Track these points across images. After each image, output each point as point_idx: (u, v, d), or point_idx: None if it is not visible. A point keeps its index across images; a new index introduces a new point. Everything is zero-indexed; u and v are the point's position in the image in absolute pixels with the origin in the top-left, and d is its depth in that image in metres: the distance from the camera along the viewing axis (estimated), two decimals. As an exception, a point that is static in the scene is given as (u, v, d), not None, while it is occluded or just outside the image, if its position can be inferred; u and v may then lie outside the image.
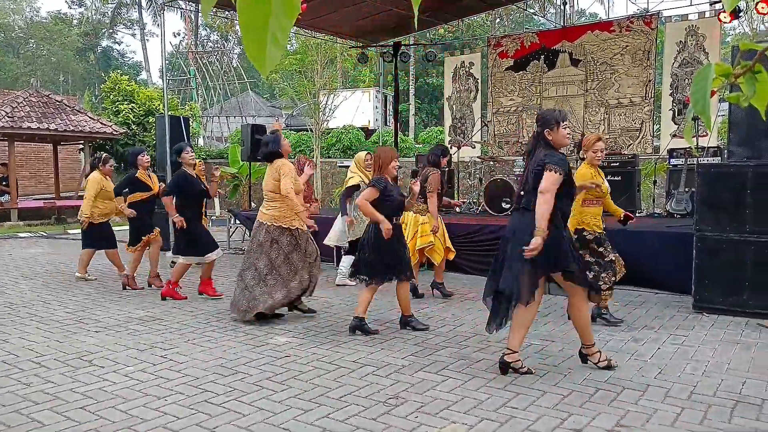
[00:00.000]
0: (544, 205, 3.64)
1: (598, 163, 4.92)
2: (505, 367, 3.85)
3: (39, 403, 3.44)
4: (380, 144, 17.11)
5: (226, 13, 12.05)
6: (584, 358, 4.01)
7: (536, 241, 3.57)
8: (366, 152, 7.12)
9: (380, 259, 4.79)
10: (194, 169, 6.33)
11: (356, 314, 4.87)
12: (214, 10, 11.97)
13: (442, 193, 6.27)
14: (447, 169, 6.53)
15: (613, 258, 4.93)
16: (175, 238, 6.39)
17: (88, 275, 7.49)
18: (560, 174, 3.67)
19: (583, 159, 5.07)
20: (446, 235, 6.40)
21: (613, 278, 4.93)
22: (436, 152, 6.33)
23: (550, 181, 3.66)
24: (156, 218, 7.29)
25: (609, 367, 3.92)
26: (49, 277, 7.68)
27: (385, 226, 4.71)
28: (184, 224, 6.02)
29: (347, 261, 6.82)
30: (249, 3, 0.65)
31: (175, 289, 6.27)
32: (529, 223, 3.66)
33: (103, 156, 7.64)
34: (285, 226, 5.23)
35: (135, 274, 6.95)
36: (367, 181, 6.79)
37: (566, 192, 3.79)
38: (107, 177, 7.37)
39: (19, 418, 3.21)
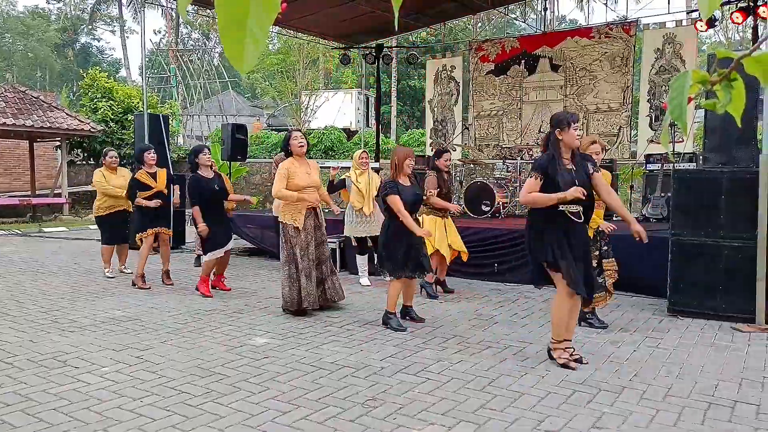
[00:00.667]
0: (540, 202, 4.01)
1: None
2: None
3: (10, 404, 3.37)
4: (362, 145, 17.11)
5: (208, 11, 11.96)
6: (550, 354, 4.18)
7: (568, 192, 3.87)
8: (362, 150, 7.22)
9: (398, 253, 5.02)
10: (211, 170, 6.44)
11: (386, 308, 5.15)
12: (195, 8, 11.87)
13: (447, 194, 6.47)
14: (445, 170, 6.58)
15: (594, 265, 4.91)
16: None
17: (120, 268, 7.66)
18: (535, 178, 4.01)
19: None
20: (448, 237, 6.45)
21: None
22: (432, 155, 6.64)
23: (525, 189, 4.10)
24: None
25: (579, 361, 4.09)
26: (22, 276, 7.54)
27: (419, 232, 5.03)
28: (206, 232, 6.21)
29: (362, 261, 7.12)
30: (227, 0, 0.65)
31: (206, 284, 6.44)
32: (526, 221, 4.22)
33: (104, 150, 7.93)
34: (280, 219, 5.65)
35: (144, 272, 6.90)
36: (354, 177, 6.83)
37: (547, 190, 4.00)
38: (110, 170, 7.42)
39: (-11, 420, 3.15)
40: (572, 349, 4.14)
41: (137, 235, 6.95)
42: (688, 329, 5.11)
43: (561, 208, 3.96)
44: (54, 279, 7.35)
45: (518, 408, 3.36)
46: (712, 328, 5.11)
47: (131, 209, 7.28)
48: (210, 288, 6.42)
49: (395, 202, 4.95)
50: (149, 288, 6.71)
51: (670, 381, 3.81)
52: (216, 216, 6.36)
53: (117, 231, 7.48)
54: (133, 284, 6.79)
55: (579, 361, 4.10)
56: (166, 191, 6.96)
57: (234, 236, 7.23)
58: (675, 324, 5.29)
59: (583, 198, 3.93)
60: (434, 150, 6.97)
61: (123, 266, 7.73)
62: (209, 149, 6.63)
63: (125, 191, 7.08)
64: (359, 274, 7.20)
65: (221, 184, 6.45)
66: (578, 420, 3.20)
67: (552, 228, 3.98)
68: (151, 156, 6.96)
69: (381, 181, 6.68)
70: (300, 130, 6.10)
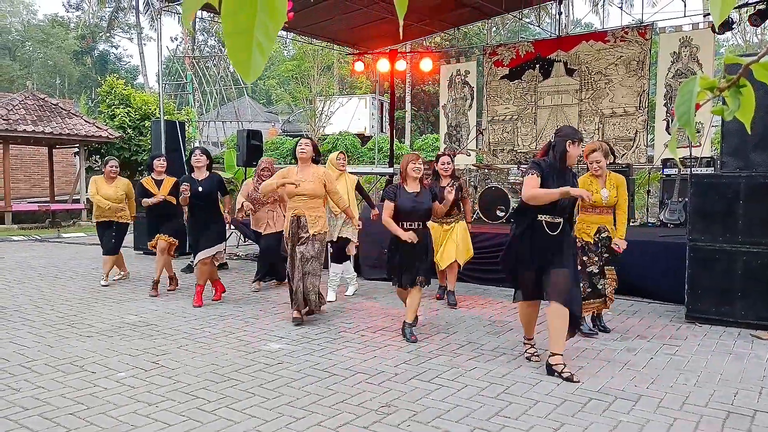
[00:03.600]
0: (542, 197, 3.96)
1: (597, 173, 4.87)
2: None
3: (28, 408, 3.41)
4: (376, 150, 17.13)
5: (223, 18, 12.07)
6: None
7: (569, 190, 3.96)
8: (339, 152, 6.74)
9: (393, 261, 5.03)
10: (207, 171, 6.33)
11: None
12: (211, 16, 11.99)
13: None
14: (445, 174, 6.33)
15: (596, 270, 4.89)
16: None
17: (110, 279, 7.51)
18: (537, 175, 4.02)
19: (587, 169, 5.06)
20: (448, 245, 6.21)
21: (589, 290, 4.90)
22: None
23: (527, 185, 4.05)
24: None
25: (529, 359, 4.37)
26: (41, 281, 7.64)
27: (404, 236, 4.88)
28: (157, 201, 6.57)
29: (335, 270, 6.56)
30: (233, 9, 0.65)
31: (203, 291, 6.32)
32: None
33: (105, 159, 7.91)
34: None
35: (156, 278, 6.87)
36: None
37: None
38: (108, 179, 7.37)
39: (8, 424, 3.19)
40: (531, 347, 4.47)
41: (149, 243, 7.04)
42: (707, 336, 5.04)
43: (540, 218, 4.05)
44: (72, 284, 7.43)
45: (533, 416, 3.33)
46: (730, 336, 5.04)
47: (125, 220, 7.42)
48: (201, 299, 6.17)
49: (385, 208, 5.00)
50: (156, 296, 6.64)
51: (688, 389, 3.76)
52: (198, 220, 6.24)
53: (104, 241, 7.37)
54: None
55: (529, 359, 4.38)
56: (170, 199, 6.78)
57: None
58: (693, 331, 5.22)
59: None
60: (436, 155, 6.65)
61: (106, 277, 7.45)
62: (202, 151, 6.47)
63: (114, 202, 7.23)
64: (328, 286, 6.47)
65: (209, 186, 6.22)
66: (594, 428, 3.17)
67: (524, 240, 4.11)
68: (159, 163, 7.00)
69: (357, 182, 6.57)
70: (310, 138, 5.96)
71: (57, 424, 3.19)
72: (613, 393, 3.68)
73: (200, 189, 6.19)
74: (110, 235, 7.32)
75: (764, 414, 3.37)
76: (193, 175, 6.31)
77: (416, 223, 4.98)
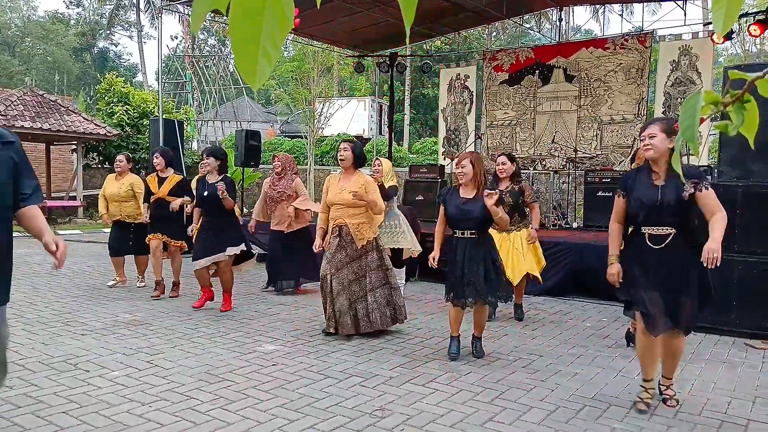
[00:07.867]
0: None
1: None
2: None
3: (21, 406, 3.39)
4: (374, 153, 17.12)
5: (224, 18, 12.08)
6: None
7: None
8: (376, 158, 6.60)
9: (450, 274, 4.48)
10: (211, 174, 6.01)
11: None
12: (211, 15, 11.99)
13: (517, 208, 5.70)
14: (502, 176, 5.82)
15: None
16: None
17: (138, 283, 7.21)
18: (618, 195, 3.71)
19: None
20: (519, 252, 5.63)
21: None
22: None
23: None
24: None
25: (647, 405, 3.55)
26: (36, 278, 7.61)
27: (431, 256, 4.51)
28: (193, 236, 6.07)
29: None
30: (241, 16, 0.66)
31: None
32: None
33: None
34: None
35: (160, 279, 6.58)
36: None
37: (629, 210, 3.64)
38: (119, 175, 7.16)
39: (0, 422, 3.17)
40: (654, 390, 3.66)
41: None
42: (701, 345, 5.05)
43: (643, 230, 3.51)
44: (67, 282, 7.41)
45: (527, 422, 3.33)
46: (725, 344, 5.05)
47: (137, 220, 6.94)
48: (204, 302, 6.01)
49: (440, 214, 4.60)
50: (159, 297, 6.48)
51: (682, 397, 3.76)
52: (204, 223, 5.94)
53: (117, 242, 7.11)
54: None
55: (647, 404, 3.54)
56: (169, 199, 6.46)
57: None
58: (687, 339, 5.22)
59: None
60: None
61: (139, 279, 7.23)
62: (209, 153, 6.09)
63: (117, 200, 6.97)
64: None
65: (212, 190, 5.80)
66: (588, 435, 3.17)
67: (629, 254, 3.57)
68: (156, 161, 6.67)
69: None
70: (352, 141, 5.39)
71: (50, 423, 3.18)
72: (608, 400, 3.69)
73: (206, 194, 5.84)
74: (127, 237, 7.03)
75: (758, 423, 3.38)
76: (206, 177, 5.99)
77: (467, 232, 4.42)
